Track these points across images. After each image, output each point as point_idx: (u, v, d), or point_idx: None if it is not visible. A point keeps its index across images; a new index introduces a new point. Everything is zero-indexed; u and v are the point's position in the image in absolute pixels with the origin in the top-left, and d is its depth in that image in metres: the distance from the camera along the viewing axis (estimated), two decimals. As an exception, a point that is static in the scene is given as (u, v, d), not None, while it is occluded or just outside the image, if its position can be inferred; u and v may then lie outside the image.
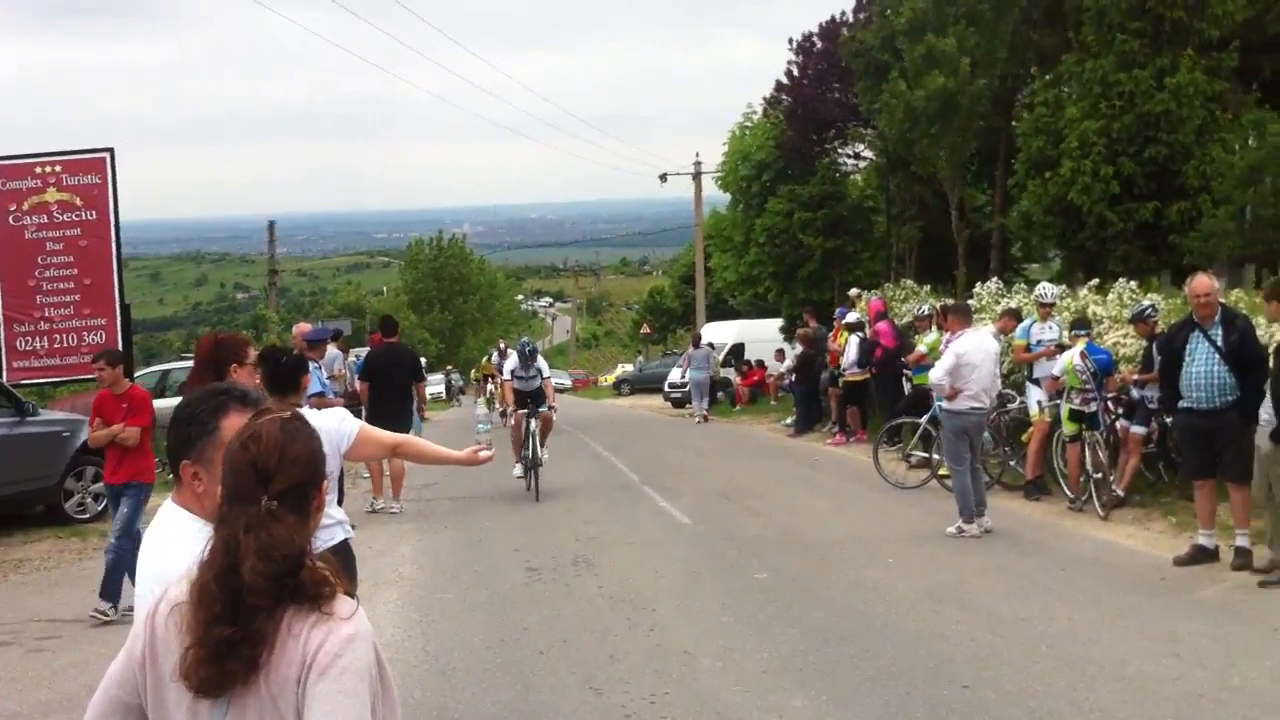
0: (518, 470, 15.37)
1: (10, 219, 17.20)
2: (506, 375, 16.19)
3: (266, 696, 2.28)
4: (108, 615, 9.17)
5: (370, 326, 51.59)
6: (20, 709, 7.20)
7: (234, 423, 2.81)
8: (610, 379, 58.70)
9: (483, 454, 5.39)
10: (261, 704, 2.29)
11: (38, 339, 17.21)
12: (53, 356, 17.37)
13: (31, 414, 14.09)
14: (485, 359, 32.43)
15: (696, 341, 29.23)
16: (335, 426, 5.25)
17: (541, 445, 15.30)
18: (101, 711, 2.54)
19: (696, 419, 27.31)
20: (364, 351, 17.12)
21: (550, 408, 15.69)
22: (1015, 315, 15.18)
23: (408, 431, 14.33)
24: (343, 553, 5.32)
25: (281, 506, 2.32)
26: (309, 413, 5.47)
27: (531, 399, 15.56)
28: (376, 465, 14.42)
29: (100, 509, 14.19)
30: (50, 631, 9.12)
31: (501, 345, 33.36)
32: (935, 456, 14.00)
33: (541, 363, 15.79)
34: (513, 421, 15.79)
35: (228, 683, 2.27)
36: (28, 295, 17.20)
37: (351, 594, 2.48)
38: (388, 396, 14.33)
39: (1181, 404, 9.64)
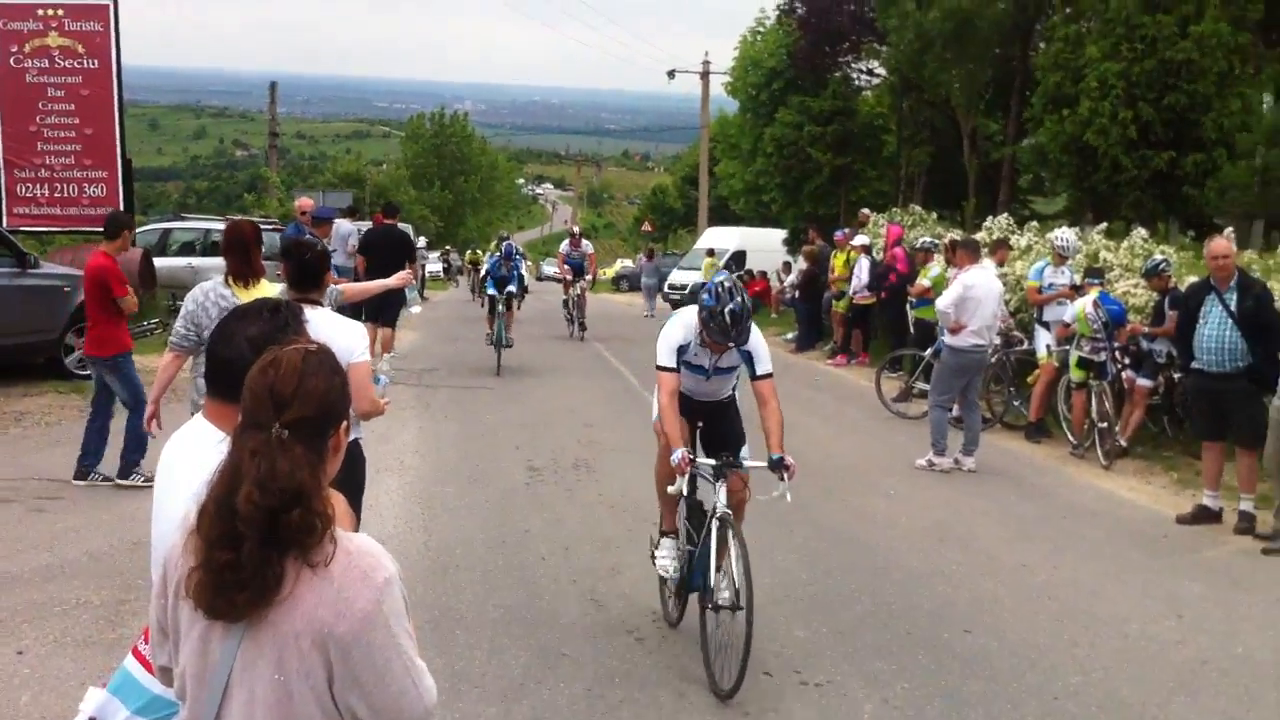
0: None
1: (11, 60, 16.84)
2: None
3: (289, 634, 2.22)
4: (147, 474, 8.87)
5: (370, 198, 51.19)
6: (21, 572, 7.16)
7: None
8: (609, 273, 57.53)
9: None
10: (281, 641, 2.23)
11: (38, 186, 16.99)
12: (53, 206, 17.17)
13: (33, 265, 13.89)
14: (479, 248, 31.40)
15: (650, 255, 38.08)
16: (346, 346, 5.10)
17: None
18: (154, 640, 2.51)
19: (646, 315, 31.05)
20: (365, 226, 17.16)
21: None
22: (1005, 245, 15.41)
23: (400, 305, 15.49)
24: (352, 453, 5.30)
25: (292, 437, 2.24)
26: (330, 316, 5.36)
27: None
28: (370, 332, 14.51)
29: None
30: (50, 492, 9.08)
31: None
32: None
33: None
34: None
35: (236, 613, 2.22)
36: (28, 141, 16.96)
37: (356, 505, 2.41)
38: (382, 273, 14.64)
39: (1193, 365, 9.63)
